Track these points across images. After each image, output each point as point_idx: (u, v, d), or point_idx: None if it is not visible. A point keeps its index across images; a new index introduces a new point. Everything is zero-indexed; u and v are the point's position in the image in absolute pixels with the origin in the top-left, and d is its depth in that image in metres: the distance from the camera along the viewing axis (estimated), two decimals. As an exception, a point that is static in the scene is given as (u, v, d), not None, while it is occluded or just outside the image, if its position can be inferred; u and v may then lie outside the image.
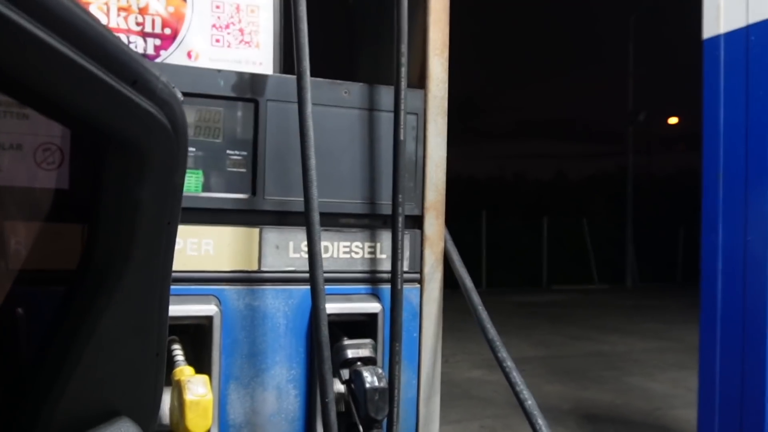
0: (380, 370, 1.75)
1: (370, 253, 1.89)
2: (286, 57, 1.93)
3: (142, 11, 1.80)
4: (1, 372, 0.82)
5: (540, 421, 1.83)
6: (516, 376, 1.88)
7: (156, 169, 0.63)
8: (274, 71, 1.90)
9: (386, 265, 1.89)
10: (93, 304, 0.66)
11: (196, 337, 1.73)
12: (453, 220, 2.00)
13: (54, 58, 0.49)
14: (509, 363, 1.90)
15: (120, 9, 1.78)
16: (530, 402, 1.86)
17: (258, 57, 1.89)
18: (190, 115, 1.71)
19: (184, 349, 1.69)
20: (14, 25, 0.45)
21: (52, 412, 0.65)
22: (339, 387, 1.79)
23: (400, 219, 1.82)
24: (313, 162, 1.68)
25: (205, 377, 1.56)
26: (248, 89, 1.76)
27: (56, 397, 0.65)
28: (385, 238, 1.89)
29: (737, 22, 3.37)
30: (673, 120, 26.39)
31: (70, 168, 1.04)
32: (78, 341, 0.65)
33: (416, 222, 1.92)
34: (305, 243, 1.76)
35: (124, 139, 0.60)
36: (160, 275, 0.71)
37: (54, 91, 0.51)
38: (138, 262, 0.67)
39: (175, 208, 0.69)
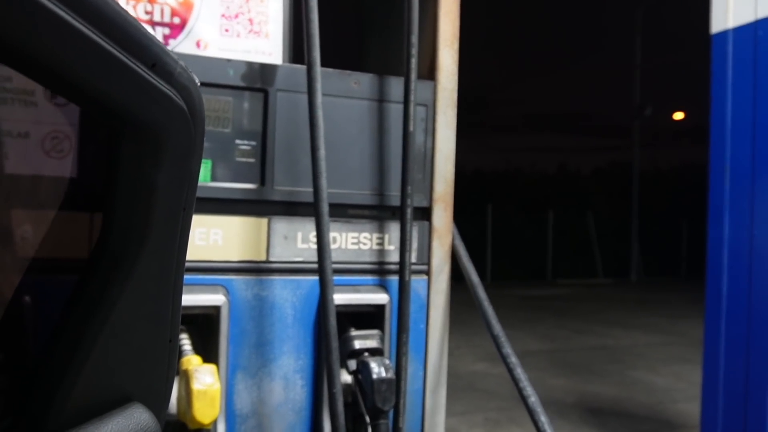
0: (387, 361, 1.76)
1: (378, 244, 1.89)
2: (295, 47, 1.92)
3: (151, 0, 1.80)
4: (12, 360, 0.82)
5: (542, 418, 1.83)
6: (520, 372, 1.88)
7: (173, 153, 0.63)
8: (283, 61, 1.89)
9: (394, 257, 1.88)
10: (107, 290, 0.66)
11: (203, 327, 1.73)
12: (458, 213, 2.00)
13: (75, 39, 0.48)
14: (513, 359, 1.90)
15: (129, -3, 1.78)
16: (533, 399, 1.86)
17: (267, 47, 1.88)
18: (200, 104, 1.70)
19: (192, 338, 1.70)
20: (35, 4, 0.45)
21: (66, 399, 0.65)
22: (346, 378, 1.79)
23: (409, 210, 1.82)
24: (322, 152, 1.68)
25: (212, 367, 1.56)
26: (258, 79, 1.75)
27: (70, 383, 0.65)
28: (394, 229, 1.89)
29: (746, 17, 3.36)
30: (679, 115, 26.30)
31: (80, 155, 1.04)
32: (92, 327, 0.65)
33: (425, 214, 1.92)
34: (313, 233, 1.76)
35: (143, 121, 0.59)
36: (174, 262, 0.71)
37: (74, 71, 0.51)
38: (153, 248, 0.66)
39: (190, 195, 0.69)
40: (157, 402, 0.75)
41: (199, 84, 0.66)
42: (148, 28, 1.80)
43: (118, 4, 0.54)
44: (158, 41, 0.60)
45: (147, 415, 0.70)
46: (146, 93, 0.57)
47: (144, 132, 0.59)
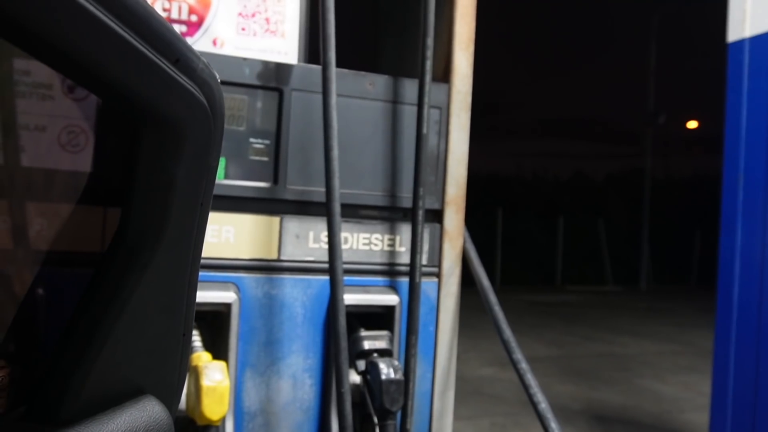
0: (396, 362, 1.76)
1: (389, 245, 1.89)
2: (311, 47, 1.93)
3: (169, -2, 1.81)
4: (26, 350, 0.83)
5: (553, 425, 1.83)
6: (530, 378, 1.88)
7: (192, 148, 0.63)
8: (299, 61, 1.90)
9: (405, 258, 1.89)
10: (123, 282, 0.66)
11: (213, 324, 1.74)
12: (468, 216, 2.00)
13: (102, 32, 0.49)
14: (524, 365, 1.90)
15: (147, -5, 1.79)
16: (544, 405, 1.86)
17: (283, 46, 1.89)
18: (215, 102, 1.71)
19: (202, 335, 1.71)
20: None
21: (79, 389, 0.65)
22: (354, 378, 1.79)
23: (421, 212, 1.82)
24: (335, 153, 1.69)
25: (222, 363, 1.57)
26: (273, 78, 1.76)
27: (83, 374, 0.66)
28: (405, 231, 1.89)
29: (763, 26, 3.34)
30: (692, 123, 26.22)
31: (98, 150, 1.05)
32: (107, 319, 0.66)
33: (436, 216, 1.92)
34: (325, 233, 1.76)
35: (165, 116, 0.60)
36: (190, 256, 0.71)
37: (100, 65, 0.52)
38: (170, 241, 0.67)
39: (208, 190, 0.69)
40: (169, 395, 0.76)
41: (219, 81, 0.66)
42: (166, 26, 1.82)
43: (144, 0, 0.55)
44: (181, 37, 0.61)
45: (159, 407, 0.71)
46: (169, 88, 0.58)
47: (165, 126, 0.60)
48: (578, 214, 20.02)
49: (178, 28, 1.82)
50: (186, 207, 0.66)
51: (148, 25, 0.54)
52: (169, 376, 0.77)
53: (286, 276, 1.79)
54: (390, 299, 1.87)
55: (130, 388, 0.70)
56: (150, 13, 0.54)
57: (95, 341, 0.66)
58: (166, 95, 0.58)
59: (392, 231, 1.89)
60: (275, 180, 1.77)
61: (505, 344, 1.92)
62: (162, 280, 0.68)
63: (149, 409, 0.70)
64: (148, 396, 0.71)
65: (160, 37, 0.55)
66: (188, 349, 0.81)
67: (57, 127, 1.21)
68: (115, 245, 0.68)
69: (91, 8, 0.47)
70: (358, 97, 1.85)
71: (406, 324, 1.83)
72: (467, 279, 2.06)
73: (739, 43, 3.41)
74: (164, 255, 0.67)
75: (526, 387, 1.87)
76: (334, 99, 1.69)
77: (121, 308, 0.66)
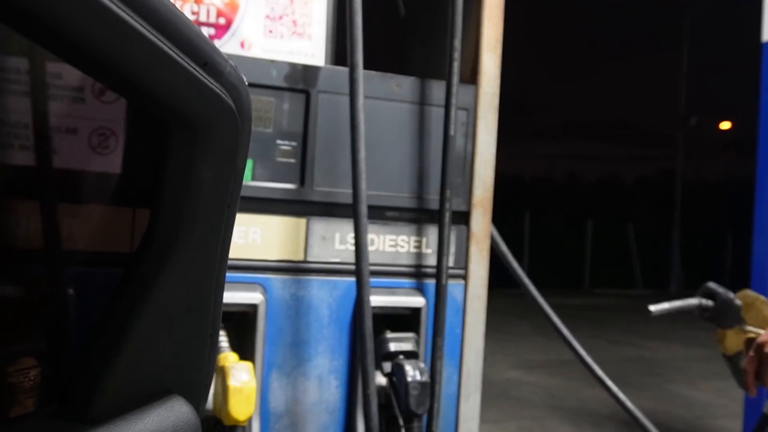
0: (422, 365, 1.75)
1: (415, 247, 1.89)
2: (338, 49, 1.93)
3: (198, 0, 1.82)
4: (57, 349, 0.84)
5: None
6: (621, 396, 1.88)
7: (220, 150, 0.64)
8: (326, 63, 1.90)
9: (431, 260, 1.88)
10: (152, 282, 0.67)
11: (240, 325, 1.75)
12: (496, 219, 1.99)
13: (132, 36, 0.50)
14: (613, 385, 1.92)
15: (177, -2, 1.81)
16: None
17: (310, 48, 1.90)
18: (243, 104, 1.72)
19: (229, 336, 1.72)
20: (96, 3, 0.47)
21: (107, 389, 0.66)
22: (380, 380, 1.79)
23: (447, 214, 1.81)
24: (362, 155, 1.69)
25: (248, 364, 1.57)
26: (300, 80, 1.77)
27: (112, 373, 0.67)
28: (431, 232, 1.89)
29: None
30: (725, 125, 25.85)
31: (127, 152, 1.06)
32: (135, 319, 0.67)
33: (463, 218, 1.92)
34: (351, 235, 1.76)
35: (193, 118, 0.61)
36: (218, 257, 0.72)
37: (129, 68, 0.52)
38: (198, 242, 0.67)
39: (235, 192, 0.70)
40: (196, 395, 0.77)
41: (247, 84, 0.67)
42: (195, 29, 1.83)
43: (173, 5, 0.55)
44: (210, 41, 0.61)
45: (187, 408, 0.71)
46: (197, 90, 0.58)
47: (193, 128, 0.60)
48: (607, 217, 19.83)
49: (206, 31, 1.84)
50: (213, 208, 0.67)
51: (176, 28, 0.54)
52: (197, 376, 0.77)
53: (313, 277, 1.80)
54: (416, 301, 1.86)
55: (158, 388, 0.71)
56: (178, 16, 0.55)
57: (123, 340, 0.66)
58: (193, 98, 0.59)
59: (419, 233, 1.89)
60: (302, 182, 1.78)
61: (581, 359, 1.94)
62: (189, 281, 0.69)
63: (177, 409, 0.70)
64: (176, 396, 0.72)
65: (188, 40, 0.56)
66: (215, 349, 0.82)
67: (88, 130, 1.22)
68: (143, 246, 0.69)
69: (119, 11, 0.48)
70: (385, 98, 1.85)
71: (433, 326, 1.83)
72: (493, 281, 2.05)
73: (774, 43, 3.35)
74: (192, 256, 0.67)
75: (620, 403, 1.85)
76: (361, 101, 1.69)
77: (148, 308, 0.66)
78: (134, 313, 0.67)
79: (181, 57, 0.55)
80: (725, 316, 1.99)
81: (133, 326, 0.66)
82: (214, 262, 0.72)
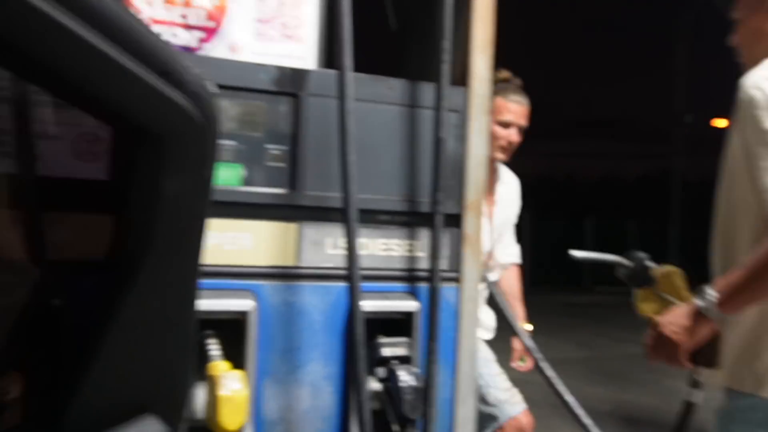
0: (416, 369, 1.74)
1: (408, 250, 1.87)
2: (330, 52, 1.92)
3: (187, 3, 1.81)
4: (30, 366, 0.82)
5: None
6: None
7: (184, 160, 0.62)
8: (318, 66, 1.89)
9: (424, 264, 1.87)
10: (122, 296, 0.65)
11: (231, 333, 1.73)
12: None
13: (79, 45, 0.48)
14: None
15: (165, 0, 1.79)
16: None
17: (300, 51, 1.88)
18: (231, 108, 1.70)
19: (220, 344, 1.70)
20: (40, 13, 0.45)
21: (77, 407, 0.64)
22: (375, 385, 1.77)
23: (440, 217, 1.80)
24: (353, 158, 1.67)
25: (240, 373, 1.56)
26: (289, 83, 1.75)
27: (82, 390, 0.65)
28: (424, 236, 1.87)
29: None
30: (722, 122, 25.82)
31: (105, 160, 1.04)
32: (107, 334, 0.65)
33: (456, 221, 1.90)
34: (343, 239, 1.75)
35: (152, 129, 0.59)
36: (189, 268, 0.70)
37: (81, 80, 0.51)
38: (167, 254, 0.66)
39: (203, 202, 0.68)
40: (172, 413, 0.75)
41: (214, 91, 0.65)
42: (182, 32, 1.81)
43: (129, 12, 0.54)
44: (170, 48, 0.59)
45: (159, 427, 0.69)
46: (154, 100, 0.56)
47: (155, 139, 0.58)
48: (609, 215, 19.82)
49: (196, 35, 1.82)
50: (181, 219, 0.65)
51: (131, 36, 0.52)
52: (173, 393, 0.75)
53: (305, 283, 1.78)
54: (409, 305, 1.85)
55: (131, 407, 0.69)
56: (134, 24, 0.53)
57: (93, 357, 0.65)
58: (153, 108, 0.57)
59: (411, 236, 1.87)
60: (293, 186, 1.76)
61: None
62: (159, 294, 0.67)
63: (149, 430, 0.68)
64: (148, 416, 0.70)
65: (145, 49, 0.54)
66: (191, 364, 0.80)
67: (72, 136, 1.20)
68: (113, 257, 0.67)
69: (67, 21, 0.46)
70: (376, 101, 1.83)
71: (426, 330, 1.81)
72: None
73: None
74: (161, 268, 0.65)
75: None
76: (350, 104, 1.67)
77: (117, 323, 0.65)
78: (104, 328, 0.65)
79: (136, 66, 0.54)
80: (638, 276, 2.36)
81: (101, 342, 0.64)
82: (186, 273, 0.70)
